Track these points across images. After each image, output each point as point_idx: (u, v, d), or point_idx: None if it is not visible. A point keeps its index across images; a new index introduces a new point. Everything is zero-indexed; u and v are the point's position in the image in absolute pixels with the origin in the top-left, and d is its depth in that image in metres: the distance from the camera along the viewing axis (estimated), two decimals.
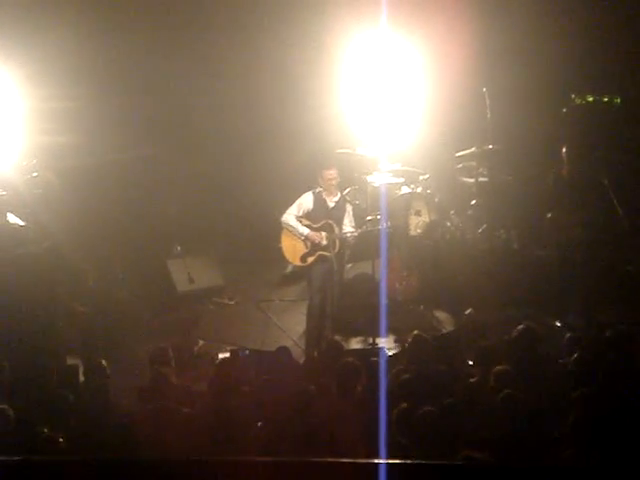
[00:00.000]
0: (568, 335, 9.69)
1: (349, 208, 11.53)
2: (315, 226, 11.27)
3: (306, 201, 11.33)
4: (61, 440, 7.52)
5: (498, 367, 8.44)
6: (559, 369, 8.81)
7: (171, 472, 5.00)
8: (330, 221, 11.29)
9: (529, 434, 7.54)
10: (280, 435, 7.70)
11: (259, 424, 8.03)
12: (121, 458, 5.88)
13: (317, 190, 11.35)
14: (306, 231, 11.26)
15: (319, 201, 11.32)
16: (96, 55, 13.87)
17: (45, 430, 7.70)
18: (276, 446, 7.40)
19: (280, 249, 11.47)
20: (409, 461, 5.56)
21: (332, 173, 11.30)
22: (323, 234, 11.26)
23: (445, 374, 8.78)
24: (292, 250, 11.38)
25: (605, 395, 7.81)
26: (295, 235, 11.30)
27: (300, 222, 11.29)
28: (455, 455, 6.93)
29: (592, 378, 8.25)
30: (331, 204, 11.36)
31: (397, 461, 5.17)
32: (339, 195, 11.46)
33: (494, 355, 8.90)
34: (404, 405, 7.81)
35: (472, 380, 8.68)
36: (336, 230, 11.29)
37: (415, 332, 9.60)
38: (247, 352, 9.94)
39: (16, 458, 5.93)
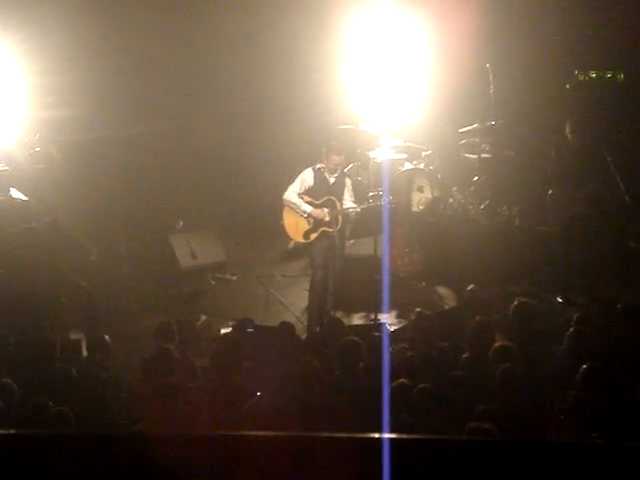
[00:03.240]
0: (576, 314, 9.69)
1: (349, 183, 11.51)
2: (317, 202, 11.27)
3: (307, 178, 11.31)
4: (65, 414, 7.53)
5: (497, 343, 8.47)
6: (557, 344, 8.83)
7: (173, 446, 5.03)
8: (332, 197, 11.28)
9: (527, 408, 7.58)
10: (282, 410, 7.73)
11: (258, 394, 8.05)
12: (124, 432, 5.91)
13: (317, 167, 11.33)
14: (309, 209, 11.24)
15: (320, 177, 11.31)
16: (97, 30, 13.83)
17: (50, 403, 7.74)
18: (278, 421, 7.44)
19: (282, 226, 11.48)
20: (412, 436, 5.60)
21: (339, 159, 11.27)
22: (326, 210, 11.26)
23: (447, 350, 8.80)
24: (295, 227, 11.38)
25: (606, 371, 7.83)
26: (297, 212, 11.29)
27: (302, 199, 11.28)
28: (458, 429, 6.98)
29: (592, 355, 8.28)
30: (332, 180, 11.35)
31: (399, 436, 5.20)
32: (339, 171, 11.43)
33: (493, 330, 8.94)
34: (407, 381, 7.85)
35: (466, 356, 8.71)
36: (338, 206, 11.29)
37: (418, 309, 9.62)
38: (251, 325, 9.93)
39: (16, 432, 5.95)
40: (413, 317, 9.50)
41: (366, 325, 11.15)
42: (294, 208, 11.29)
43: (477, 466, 4.99)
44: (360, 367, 8.33)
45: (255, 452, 5.01)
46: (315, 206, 11.26)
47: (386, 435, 5.07)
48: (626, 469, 5.03)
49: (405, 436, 5.29)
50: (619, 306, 9.01)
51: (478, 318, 9.16)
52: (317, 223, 11.26)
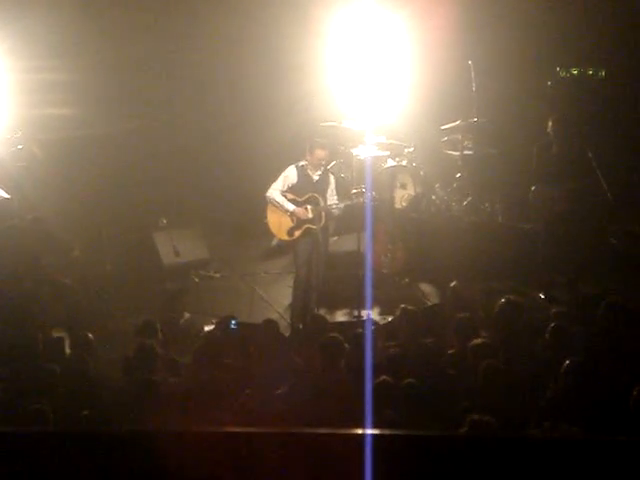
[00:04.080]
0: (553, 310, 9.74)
1: (332, 180, 11.53)
2: (300, 200, 11.27)
3: (290, 175, 11.31)
4: (47, 412, 7.52)
5: (475, 340, 8.50)
6: (541, 341, 8.86)
7: (155, 443, 5.04)
8: (315, 194, 11.29)
9: (511, 404, 7.61)
10: (266, 407, 7.74)
11: (247, 392, 8.06)
12: (106, 430, 5.91)
13: (300, 164, 11.32)
14: (292, 207, 11.24)
15: (303, 175, 11.31)
16: (81, 27, 13.81)
17: (33, 403, 7.73)
18: (261, 417, 7.45)
19: (266, 224, 11.48)
20: (395, 432, 5.62)
21: (324, 153, 11.27)
22: (309, 207, 11.26)
23: (431, 347, 8.82)
24: (278, 225, 11.38)
25: (588, 367, 7.87)
26: (281, 210, 11.30)
27: (285, 197, 11.28)
28: (443, 425, 7.01)
29: (573, 351, 8.31)
30: (315, 177, 11.35)
31: (383, 432, 5.22)
32: (322, 168, 11.44)
33: (476, 327, 8.97)
34: (391, 378, 7.87)
35: (451, 352, 8.74)
36: (321, 203, 11.30)
37: (403, 305, 9.64)
38: (234, 322, 9.92)
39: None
40: (398, 313, 9.51)
41: (349, 322, 11.16)
42: (277, 206, 11.29)
43: (460, 462, 5.02)
44: (342, 364, 8.34)
45: (236, 448, 5.02)
46: (298, 203, 11.26)
47: (369, 431, 5.08)
48: (606, 463, 5.07)
49: (388, 432, 5.31)
50: (602, 302, 9.04)
51: (462, 314, 9.19)
52: (300, 220, 11.27)
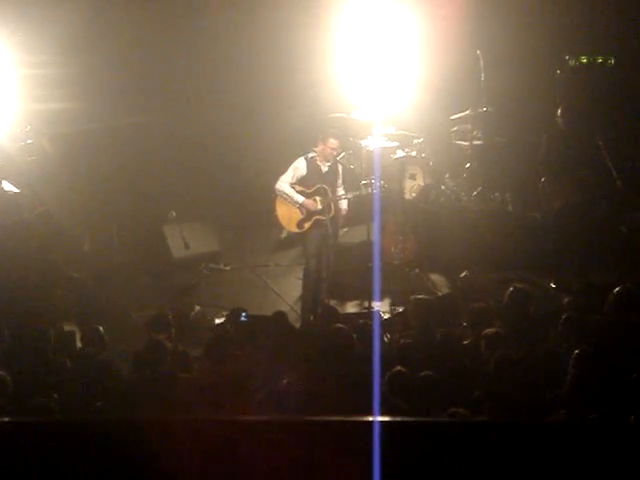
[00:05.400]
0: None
1: (341, 171, 11.52)
2: (308, 191, 11.26)
3: (300, 167, 11.30)
4: (57, 406, 7.54)
5: (488, 330, 8.48)
6: (554, 330, 8.84)
7: (166, 433, 5.04)
8: (324, 185, 11.28)
9: (523, 394, 7.60)
10: (279, 398, 7.74)
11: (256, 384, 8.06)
12: (117, 420, 5.90)
13: (310, 156, 11.32)
14: (301, 199, 11.23)
15: (312, 166, 11.30)
16: (90, 22, 13.80)
17: (44, 397, 7.74)
18: (271, 408, 7.45)
19: (275, 217, 11.48)
20: (406, 419, 5.61)
21: (337, 143, 11.28)
22: (318, 199, 11.25)
23: (444, 337, 8.80)
24: (288, 217, 11.38)
25: (599, 356, 7.85)
26: (290, 202, 11.29)
27: (294, 189, 11.27)
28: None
29: (586, 340, 8.29)
30: (325, 169, 11.34)
31: (392, 418, 5.21)
32: (332, 159, 11.42)
33: (487, 317, 8.95)
34: (404, 369, 7.86)
35: (466, 342, 8.74)
36: (330, 194, 11.28)
37: (414, 296, 9.61)
38: (244, 315, 9.93)
39: (11, 420, 5.95)
40: (410, 303, 9.48)
41: (359, 313, 11.16)
42: (286, 198, 11.29)
43: (470, 448, 5.01)
44: (351, 355, 8.33)
45: (250, 437, 5.02)
46: (307, 195, 11.25)
47: (378, 418, 5.08)
48: (619, 446, 5.06)
49: (398, 419, 5.30)
50: (614, 291, 9.02)
51: (476, 304, 9.18)
52: (309, 212, 11.26)
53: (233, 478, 5.14)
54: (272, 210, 11.50)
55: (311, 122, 12.84)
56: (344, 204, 11.53)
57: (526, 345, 8.50)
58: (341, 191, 11.41)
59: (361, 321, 9.17)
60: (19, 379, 8.14)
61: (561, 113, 11.95)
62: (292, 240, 12.85)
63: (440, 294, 11.68)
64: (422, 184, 13.26)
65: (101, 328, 9.10)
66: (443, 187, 13.51)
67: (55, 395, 7.86)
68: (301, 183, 11.28)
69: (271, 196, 11.44)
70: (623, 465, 5.12)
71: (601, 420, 6.75)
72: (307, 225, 11.31)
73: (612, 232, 12.32)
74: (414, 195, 13.22)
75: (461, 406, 7.15)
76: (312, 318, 11.14)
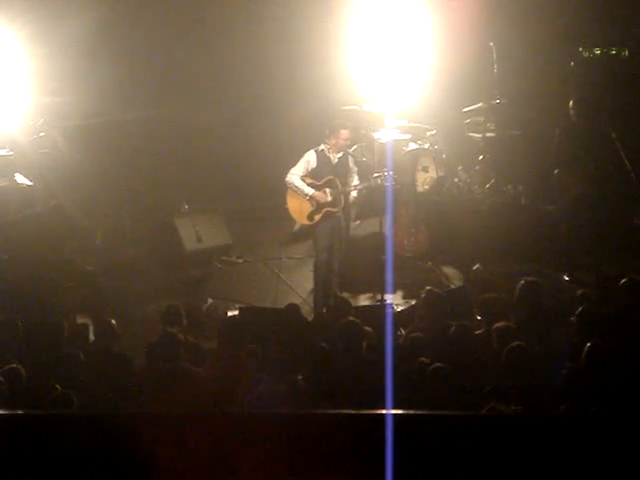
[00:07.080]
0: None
1: (352, 163, 11.51)
2: (318, 183, 11.25)
3: (310, 159, 11.30)
4: (72, 398, 7.55)
5: (498, 323, 8.47)
6: (567, 323, 8.82)
7: (177, 426, 5.05)
8: (334, 177, 11.26)
9: (536, 386, 7.59)
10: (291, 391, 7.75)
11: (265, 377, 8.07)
12: (128, 413, 5.92)
13: (320, 148, 11.31)
14: (311, 191, 11.22)
15: (323, 158, 11.29)
16: (100, 15, 13.79)
17: (58, 387, 7.76)
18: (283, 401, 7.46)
19: (287, 209, 11.48)
20: (418, 412, 5.60)
21: (348, 134, 11.29)
22: (328, 191, 11.24)
23: (457, 330, 8.79)
24: (299, 210, 11.38)
25: (610, 348, 7.84)
26: (300, 195, 11.28)
27: (304, 181, 11.26)
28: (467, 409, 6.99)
29: (600, 332, 8.27)
30: (335, 160, 11.34)
31: (405, 412, 5.21)
32: (343, 151, 11.41)
33: (500, 309, 8.94)
34: (418, 361, 7.86)
35: (477, 333, 8.72)
36: (340, 185, 11.27)
37: (428, 288, 9.59)
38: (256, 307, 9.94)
39: (24, 412, 5.97)
40: (423, 296, 9.47)
41: (372, 305, 11.15)
42: (296, 191, 11.28)
43: (482, 441, 5.01)
44: (364, 347, 8.32)
45: (259, 430, 5.03)
46: (317, 187, 11.24)
47: (391, 411, 5.08)
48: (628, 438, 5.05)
49: (410, 412, 5.30)
50: (624, 281, 9.00)
51: (488, 294, 9.17)
52: (320, 204, 11.25)
53: (244, 470, 5.15)
54: (284, 203, 11.49)
55: (323, 115, 12.81)
56: (354, 194, 11.51)
57: (538, 337, 8.49)
58: (355, 181, 11.40)
59: (373, 314, 9.17)
60: (33, 372, 8.17)
61: (574, 105, 11.90)
62: (304, 233, 12.83)
63: (452, 287, 11.67)
64: (435, 176, 13.23)
65: (114, 321, 9.11)
66: (456, 179, 13.49)
67: (68, 388, 7.87)
68: (311, 175, 11.27)
69: (283, 189, 11.43)
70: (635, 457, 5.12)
71: (612, 412, 6.74)
72: (317, 217, 11.30)
73: (626, 224, 12.29)
74: (427, 187, 13.19)
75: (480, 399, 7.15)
76: (324, 311, 11.13)
